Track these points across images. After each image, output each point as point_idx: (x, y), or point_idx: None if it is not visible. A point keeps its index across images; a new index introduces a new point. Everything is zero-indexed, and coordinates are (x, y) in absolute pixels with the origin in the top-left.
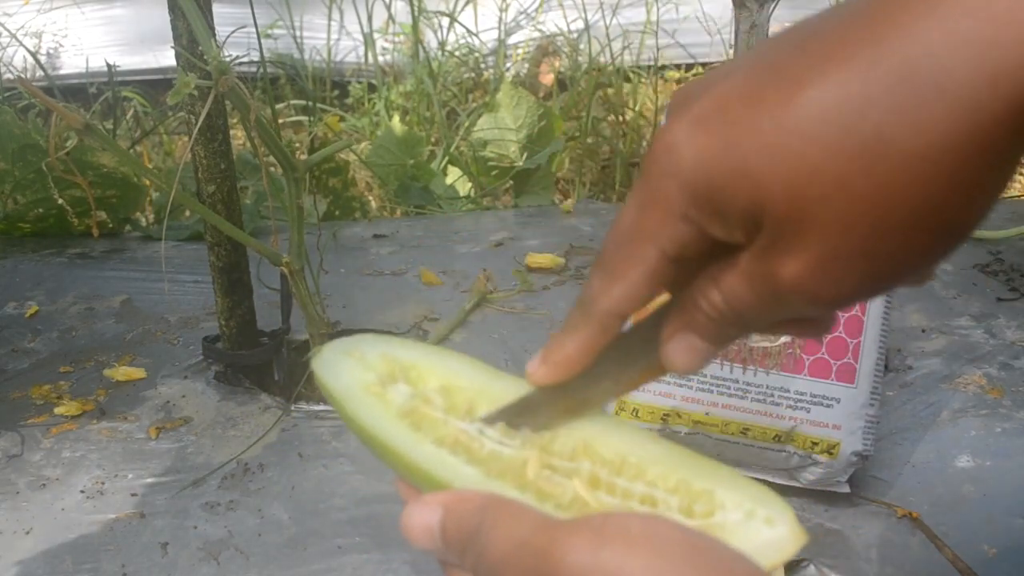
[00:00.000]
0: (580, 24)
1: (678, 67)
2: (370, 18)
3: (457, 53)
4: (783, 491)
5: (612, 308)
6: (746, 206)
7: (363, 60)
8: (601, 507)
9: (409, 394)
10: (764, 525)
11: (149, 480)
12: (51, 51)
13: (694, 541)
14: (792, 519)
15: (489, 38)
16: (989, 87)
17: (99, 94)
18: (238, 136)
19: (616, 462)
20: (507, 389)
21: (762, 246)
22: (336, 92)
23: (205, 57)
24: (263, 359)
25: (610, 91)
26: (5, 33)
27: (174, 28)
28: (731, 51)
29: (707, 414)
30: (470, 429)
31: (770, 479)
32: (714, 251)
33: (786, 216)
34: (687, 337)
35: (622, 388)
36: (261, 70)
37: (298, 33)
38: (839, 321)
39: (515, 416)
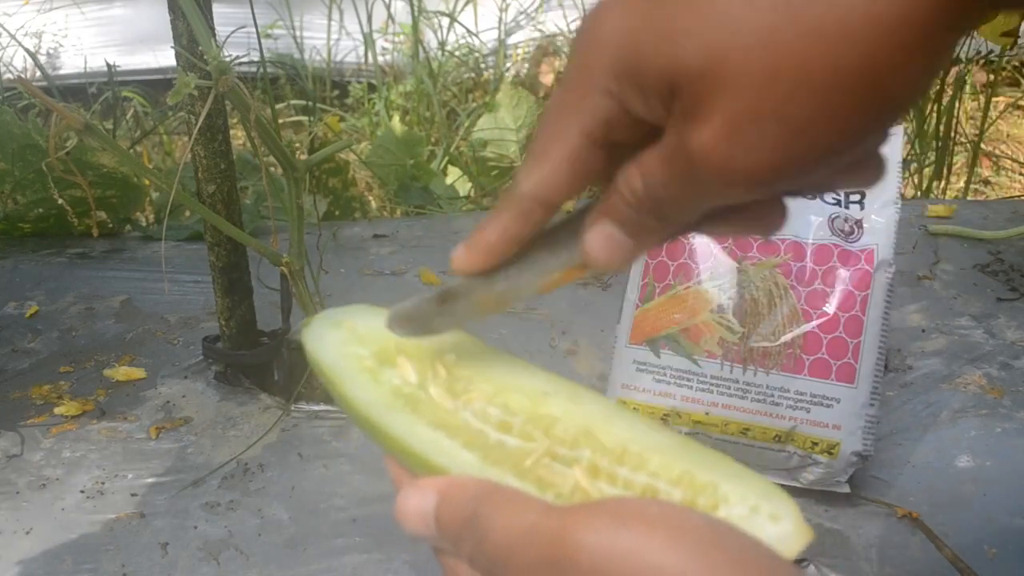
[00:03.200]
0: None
1: None
2: (370, 18)
3: (457, 53)
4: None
5: (532, 191)
6: (662, 68)
7: (363, 60)
8: (602, 497)
9: (402, 377)
10: (768, 521)
11: (149, 480)
12: (51, 51)
13: (714, 525)
14: (796, 515)
15: (489, 38)
16: None
17: (99, 94)
18: (238, 136)
19: (618, 451)
20: (507, 371)
21: (678, 116)
22: (336, 92)
23: (205, 57)
24: (263, 359)
25: None
26: (5, 33)
27: (174, 28)
28: None
29: (707, 414)
30: (466, 412)
31: (770, 479)
32: (644, 139)
33: (700, 75)
34: (606, 226)
35: (545, 281)
36: (261, 70)
37: (298, 33)
38: (839, 321)
39: (437, 305)
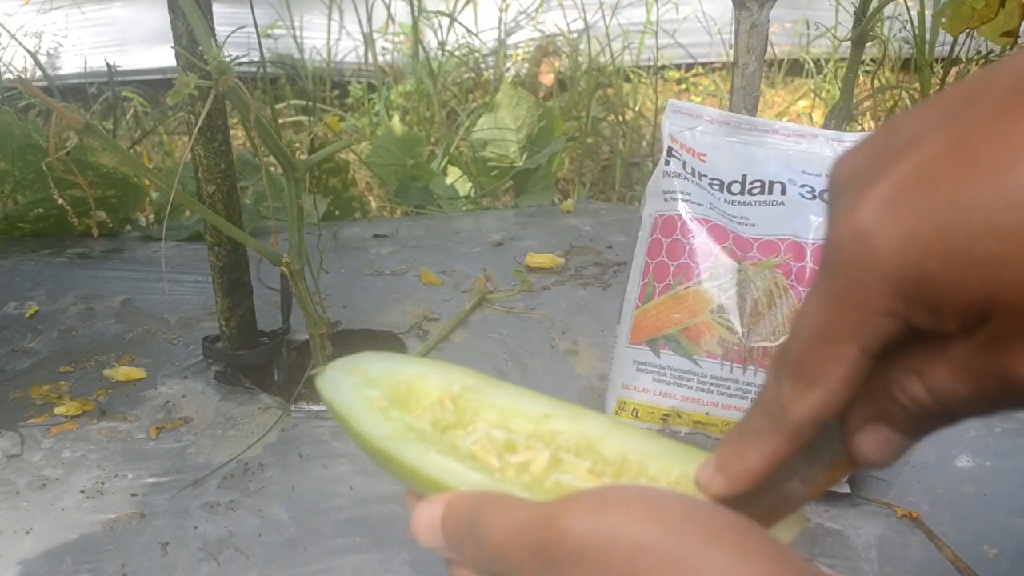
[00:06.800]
0: (580, 24)
1: (678, 67)
2: (370, 18)
3: (457, 53)
4: None
5: (809, 416)
6: (973, 298)
7: (363, 60)
8: None
9: (413, 419)
10: None
11: (149, 480)
12: (51, 51)
13: (692, 503)
14: None
15: (489, 38)
16: None
17: (99, 94)
18: (238, 136)
19: (618, 460)
20: (510, 398)
21: (990, 337)
22: (336, 92)
23: (205, 57)
24: (263, 359)
25: (610, 91)
26: (5, 33)
27: (174, 28)
28: (731, 51)
29: (707, 414)
30: (472, 444)
31: None
32: (915, 336)
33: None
34: (880, 430)
35: (812, 490)
36: (261, 70)
37: (298, 33)
38: None
39: None
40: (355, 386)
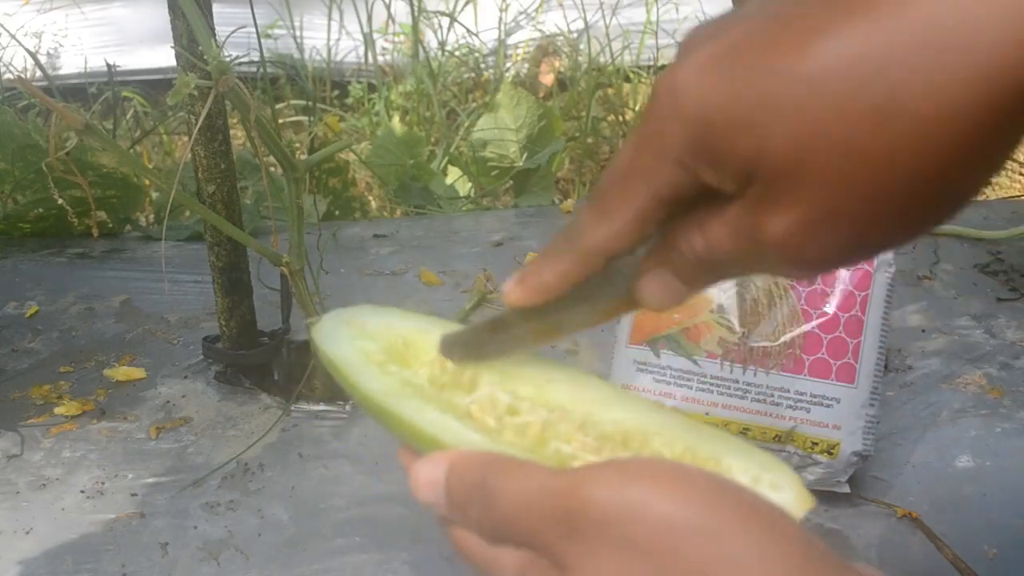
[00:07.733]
0: (580, 24)
1: None
2: (370, 18)
3: (457, 53)
4: None
5: (597, 245)
6: (744, 157)
7: (363, 60)
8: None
9: (410, 375)
10: (769, 490)
11: (149, 480)
12: (51, 51)
13: (716, 480)
14: (798, 484)
15: (489, 38)
16: (1017, 50)
17: (99, 94)
18: (238, 136)
19: (619, 434)
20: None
21: (753, 198)
22: (336, 92)
23: (205, 57)
24: (263, 359)
25: (610, 91)
26: (5, 33)
27: (174, 28)
28: None
29: (707, 414)
30: (471, 403)
31: None
32: (705, 194)
33: (783, 170)
34: (663, 274)
35: (596, 317)
36: (261, 70)
37: (298, 33)
38: (839, 321)
39: (488, 333)
40: (352, 338)
